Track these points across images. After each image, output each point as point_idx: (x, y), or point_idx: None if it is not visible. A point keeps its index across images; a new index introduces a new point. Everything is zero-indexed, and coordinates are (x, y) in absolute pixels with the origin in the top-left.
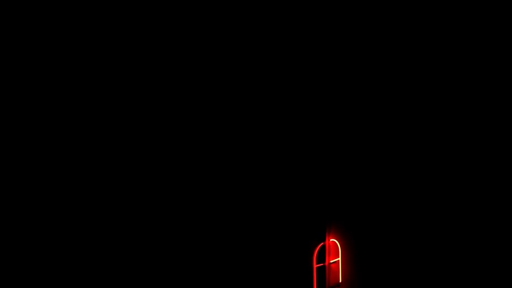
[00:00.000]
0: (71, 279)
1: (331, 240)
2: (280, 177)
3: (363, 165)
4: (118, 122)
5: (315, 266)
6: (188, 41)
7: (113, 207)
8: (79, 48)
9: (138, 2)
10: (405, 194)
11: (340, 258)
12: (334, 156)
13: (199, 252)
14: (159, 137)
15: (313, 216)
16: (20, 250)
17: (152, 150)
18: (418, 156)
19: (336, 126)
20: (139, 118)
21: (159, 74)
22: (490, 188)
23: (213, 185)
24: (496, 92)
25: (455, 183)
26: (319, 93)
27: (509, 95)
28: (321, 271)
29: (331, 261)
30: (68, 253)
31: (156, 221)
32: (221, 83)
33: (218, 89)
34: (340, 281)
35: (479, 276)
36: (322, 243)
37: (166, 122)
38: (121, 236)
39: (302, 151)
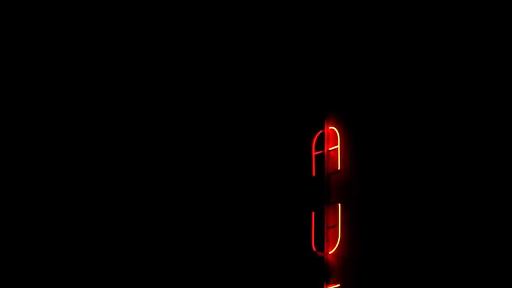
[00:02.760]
0: (71, 279)
1: (330, 127)
2: (279, 63)
3: (362, 51)
4: (116, 122)
5: (314, 153)
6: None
7: (112, 207)
8: (79, 48)
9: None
10: (405, 79)
11: (339, 146)
12: (333, 42)
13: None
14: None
15: (311, 103)
16: (20, 250)
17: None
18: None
19: (336, 15)
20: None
21: (155, 76)
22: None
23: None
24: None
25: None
26: None
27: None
28: (320, 158)
29: (330, 149)
30: (68, 253)
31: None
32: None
33: None
34: (339, 168)
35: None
36: (320, 131)
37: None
38: (120, 236)
39: (301, 39)
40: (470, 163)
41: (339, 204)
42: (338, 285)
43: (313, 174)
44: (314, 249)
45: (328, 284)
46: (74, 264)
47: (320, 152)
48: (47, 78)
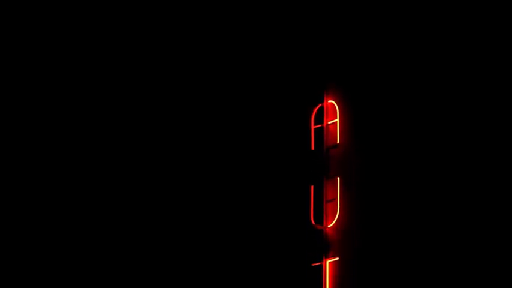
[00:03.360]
0: (70, 279)
1: (329, 101)
2: (278, 36)
3: (361, 25)
4: (115, 122)
5: (313, 127)
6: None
7: (112, 207)
8: (79, 48)
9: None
10: (405, 53)
11: (338, 120)
12: (331, 15)
13: None
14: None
15: (310, 77)
16: (20, 250)
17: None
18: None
19: None
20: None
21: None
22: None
23: None
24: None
25: None
26: None
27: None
28: (319, 132)
29: (329, 122)
30: (68, 253)
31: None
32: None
33: None
34: (338, 142)
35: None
36: (320, 105)
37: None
38: (120, 236)
39: (300, 12)
40: (469, 137)
41: (338, 178)
42: (337, 258)
43: (312, 148)
44: (313, 222)
45: (327, 257)
46: (74, 264)
47: (319, 125)
48: (46, 78)
